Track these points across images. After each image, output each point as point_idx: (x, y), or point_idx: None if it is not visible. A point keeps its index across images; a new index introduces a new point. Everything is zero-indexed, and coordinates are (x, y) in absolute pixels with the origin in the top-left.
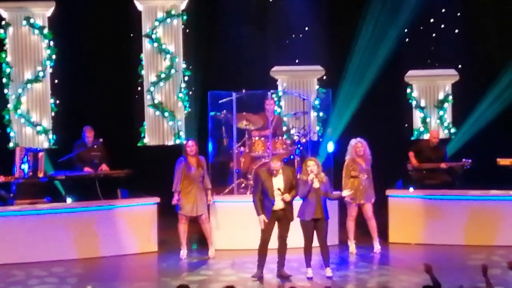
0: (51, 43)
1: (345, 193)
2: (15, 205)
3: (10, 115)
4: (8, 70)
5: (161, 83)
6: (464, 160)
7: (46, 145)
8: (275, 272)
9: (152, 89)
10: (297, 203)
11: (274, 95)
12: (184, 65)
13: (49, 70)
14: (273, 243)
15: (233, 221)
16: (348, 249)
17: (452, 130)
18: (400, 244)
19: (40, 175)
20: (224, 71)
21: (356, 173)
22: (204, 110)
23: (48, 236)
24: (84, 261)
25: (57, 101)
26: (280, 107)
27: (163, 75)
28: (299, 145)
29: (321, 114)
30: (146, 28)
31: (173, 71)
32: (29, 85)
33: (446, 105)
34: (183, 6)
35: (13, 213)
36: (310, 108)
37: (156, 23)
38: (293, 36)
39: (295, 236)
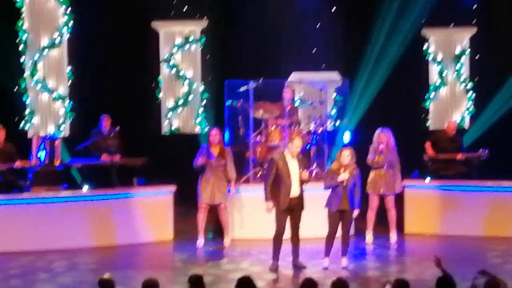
0: (68, 9)
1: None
2: (31, 193)
3: (27, 82)
4: (24, 36)
5: (179, 109)
6: (480, 150)
7: (62, 111)
8: (290, 262)
9: (169, 114)
10: (312, 193)
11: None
12: (202, 88)
13: (66, 37)
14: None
15: (249, 211)
16: (365, 240)
17: (469, 85)
18: (416, 235)
19: (57, 163)
20: (242, 60)
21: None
22: (221, 99)
23: (64, 224)
24: (100, 249)
25: (73, 65)
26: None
27: (181, 101)
28: (315, 135)
29: (337, 123)
30: (164, 53)
31: (191, 97)
32: (45, 52)
33: (463, 58)
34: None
35: (30, 200)
36: (327, 97)
37: (174, 49)
38: (311, 27)
39: (314, 225)
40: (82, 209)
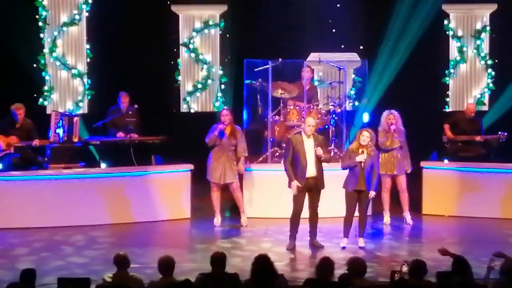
0: None
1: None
2: (49, 170)
3: (46, 59)
4: (44, 13)
5: (197, 93)
6: (500, 133)
7: (80, 89)
8: (308, 242)
9: (188, 98)
10: (330, 173)
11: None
12: (221, 72)
13: (85, 14)
14: (305, 213)
15: (267, 190)
16: (382, 220)
17: (489, 62)
18: (434, 216)
19: (75, 139)
20: (261, 39)
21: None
22: (240, 78)
23: (82, 200)
24: (117, 226)
25: (92, 45)
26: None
27: (199, 85)
28: (334, 115)
29: (356, 103)
30: (183, 36)
31: (209, 81)
32: (65, 28)
33: (483, 35)
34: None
35: (48, 177)
36: (346, 77)
37: (194, 34)
38: (331, 5)
39: (331, 205)
40: (100, 186)
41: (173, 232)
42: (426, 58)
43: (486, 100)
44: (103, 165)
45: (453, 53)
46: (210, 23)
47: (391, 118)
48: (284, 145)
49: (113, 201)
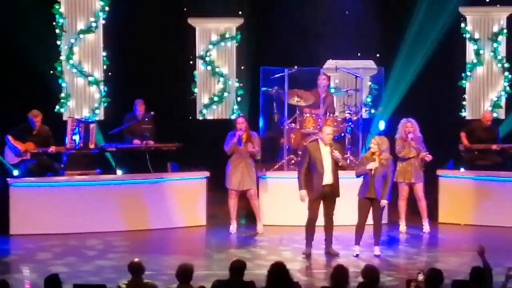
0: None
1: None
2: (65, 176)
3: (62, 66)
4: (61, 21)
5: (214, 106)
6: None
7: (97, 96)
8: (323, 250)
9: (204, 111)
10: (347, 181)
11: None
12: (237, 84)
13: (102, 22)
14: (320, 220)
15: (283, 197)
16: (398, 228)
17: (506, 65)
18: (450, 225)
19: (91, 146)
20: (277, 47)
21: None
22: (256, 86)
23: (98, 207)
24: (132, 233)
25: (108, 53)
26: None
27: (216, 98)
28: (350, 123)
29: (372, 111)
30: (200, 49)
31: (226, 94)
32: (81, 36)
33: (500, 38)
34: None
35: (64, 183)
36: (362, 85)
37: (210, 46)
38: (347, 12)
39: (347, 213)
40: (116, 193)
41: (188, 239)
42: (443, 61)
43: (502, 103)
44: (119, 172)
45: (470, 56)
46: (227, 36)
47: (409, 126)
48: (300, 152)
49: (128, 208)
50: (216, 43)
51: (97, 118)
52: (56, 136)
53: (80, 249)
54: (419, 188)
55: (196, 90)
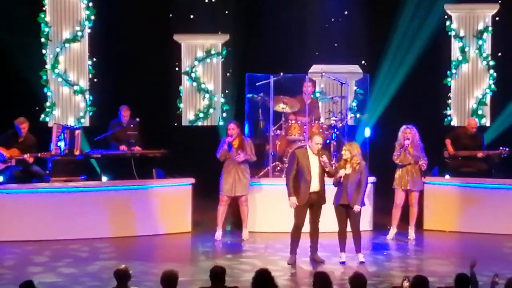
0: (90, 3)
1: (340, 172)
2: (50, 182)
3: (48, 75)
4: (46, 29)
5: (199, 122)
6: (501, 148)
7: (82, 105)
8: (308, 256)
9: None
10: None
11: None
12: (222, 100)
13: (88, 31)
14: (306, 227)
15: (268, 204)
16: (385, 235)
17: (491, 62)
18: (435, 232)
19: (76, 152)
20: (263, 54)
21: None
22: (241, 92)
23: (83, 214)
24: (118, 239)
25: (94, 61)
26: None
27: (201, 114)
28: (335, 130)
29: (358, 115)
30: (185, 65)
31: (211, 110)
32: (67, 45)
33: (485, 35)
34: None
35: (49, 190)
36: (348, 92)
37: (196, 63)
38: (332, 20)
39: (333, 220)
40: (101, 200)
41: (174, 246)
42: (428, 65)
43: (487, 101)
44: (104, 178)
45: (455, 54)
46: (212, 52)
47: (408, 132)
48: (285, 159)
49: (114, 215)
50: (201, 59)
51: (82, 125)
52: (42, 144)
53: (64, 256)
54: (414, 196)
55: (181, 105)
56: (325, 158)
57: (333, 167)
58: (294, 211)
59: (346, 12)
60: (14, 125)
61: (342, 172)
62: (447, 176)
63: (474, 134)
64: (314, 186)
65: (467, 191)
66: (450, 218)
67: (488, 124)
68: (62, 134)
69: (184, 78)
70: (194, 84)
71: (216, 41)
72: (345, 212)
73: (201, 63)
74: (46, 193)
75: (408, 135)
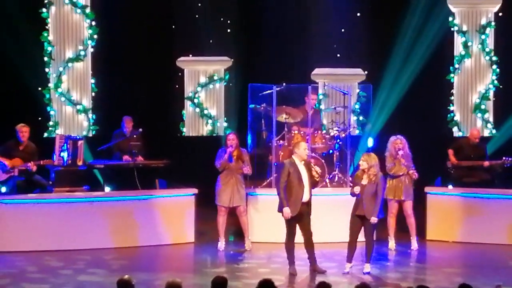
0: (93, 22)
1: (355, 189)
2: (53, 193)
3: (51, 94)
4: (49, 49)
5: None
6: (504, 158)
7: (85, 124)
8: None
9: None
10: (336, 198)
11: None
12: (225, 124)
13: (90, 50)
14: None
15: (271, 214)
16: (387, 246)
17: (494, 58)
18: (438, 242)
19: (79, 163)
20: (265, 64)
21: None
22: (244, 103)
23: (86, 224)
24: (121, 250)
25: (97, 81)
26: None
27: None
28: (338, 140)
29: (361, 118)
30: (188, 90)
31: (214, 135)
32: (70, 64)
33: (488, 30)
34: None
35: (52, 200)
36: (351, 102)
37: (199, 88)
38: (335, 29)
39: (336, 230)
40: (104, 210)
41: (176, 256)
42: (431, 61)
43: (491, 96)
44: (107, 189)
45: (458, 49)
46: (215, 77)
47: (398, 143)
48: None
49: (117, 225)
50: (204, 85)
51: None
52: (44, 155)
53: (68, 266)
54: (409, 206)
55: (184, 129)
56: (318, 168)
57: (336, 178)
58: (285, 222)
59: (348, 20)
60: (15, 131)
61: (356, 190)
62: (450, 186)
63: (477, 144)
64: (306, 196)
65: (470, 201)
66: (453, 228)
67: (491, 119)
68: (65, 144)
69: (187, 103)
70: (197, 110)
71: (219, 67)
72: (360, 223)
73: (204, 89)
74: (49, 204)
75: (399, 145)
